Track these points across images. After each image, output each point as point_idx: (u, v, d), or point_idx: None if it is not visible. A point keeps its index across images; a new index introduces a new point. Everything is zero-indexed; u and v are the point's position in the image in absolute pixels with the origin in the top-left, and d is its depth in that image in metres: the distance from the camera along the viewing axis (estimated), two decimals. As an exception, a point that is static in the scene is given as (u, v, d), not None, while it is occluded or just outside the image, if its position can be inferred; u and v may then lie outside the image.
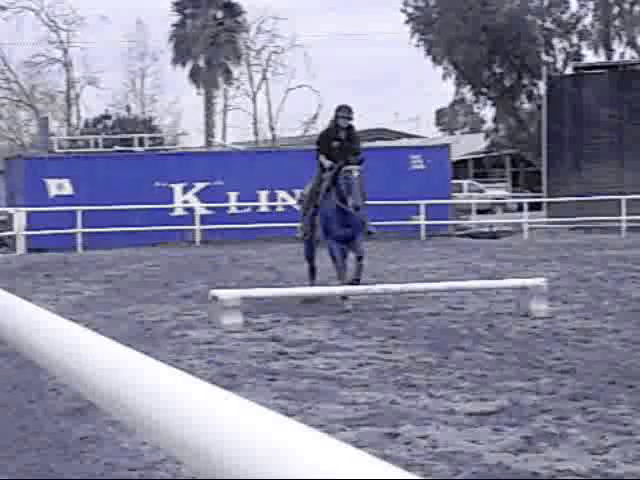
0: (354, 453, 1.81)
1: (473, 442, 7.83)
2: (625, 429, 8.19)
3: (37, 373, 9.26)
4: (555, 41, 67.21)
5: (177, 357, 12.05)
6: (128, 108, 73.59)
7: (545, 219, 45.61)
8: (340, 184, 16.79)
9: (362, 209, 17.08)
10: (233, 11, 71.39)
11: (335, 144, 17.43)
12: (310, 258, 18.52)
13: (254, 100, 61.80)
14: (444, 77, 68.20)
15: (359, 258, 16.95)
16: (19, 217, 36.34)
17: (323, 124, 62.11)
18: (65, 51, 66.50)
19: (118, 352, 2.99)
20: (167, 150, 51.70)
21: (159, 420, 2.41)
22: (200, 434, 2.16)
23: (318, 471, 1.77)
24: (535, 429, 8.24)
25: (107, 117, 72.30)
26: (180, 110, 79.11)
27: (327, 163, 17.41)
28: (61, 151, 48.29)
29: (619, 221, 40.99)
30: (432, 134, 73.33)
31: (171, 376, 2.55)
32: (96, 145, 51.33)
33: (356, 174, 16.73)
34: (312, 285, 18.12)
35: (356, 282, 16.80)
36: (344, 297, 16.53)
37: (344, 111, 17.64)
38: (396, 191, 38.31)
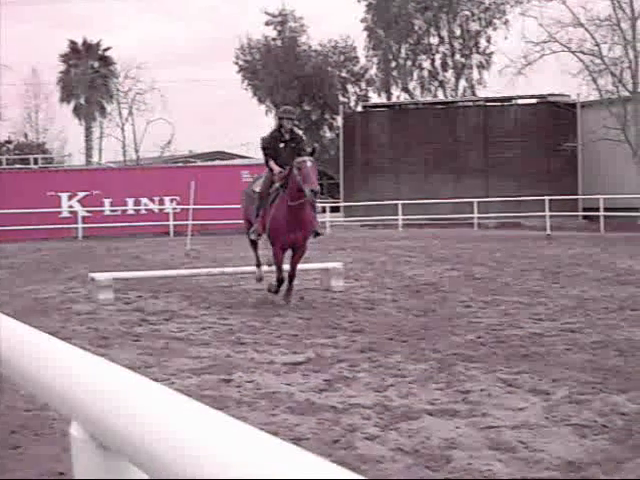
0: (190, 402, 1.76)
1: (287, 384, 7.82)
2: (400, 373, 8.28)
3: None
4: (349, 86, 68.29)
5: (64, 324, 11.81)
6: (26, 135, 71.82)
7: (342, 218, 46.05)
8: (295, 175, 13.24)
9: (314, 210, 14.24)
10: (107, 62, 70.22)
11: (281, 146, 14.10)
12: (254, 243, 15.05)
13: (123, 129, 60.71)
14: (266, 113, 68.59)
15: (290, 279, 14.01)
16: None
17: (176, 148, 61.94)
18: (-24, 92, 64.58)
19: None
20: (56, 167, 50.87)
21: (32, 377, 2.36)
22: (65, 388, 2.11)
23: (151, 419, 1.74)
24: (333, 374, 8.26)
25: (9, 142, 70.44)
26: (66, 137, 77.87)
27: (277, 169, 13.90)
28: (-28, 168, 47.20)
29: (396, 220, 41.64)
30: (259, 155, 73.28)
31: (44, 341, 2.48)
32: (0, 163, 50.05)
33: (309, 164, 13.24)
34: (257, 257, 15.15)
35: (287, 303, 13.80)
36: (288, 290, 14.01)
37: (287, 113, 14.43)
38: (231, 198, 38.36)
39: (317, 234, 14.18)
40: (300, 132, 15.24)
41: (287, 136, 14.14)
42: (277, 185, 13.87)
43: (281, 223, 13.67)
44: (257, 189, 14.52)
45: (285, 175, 13.64)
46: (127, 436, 1.76)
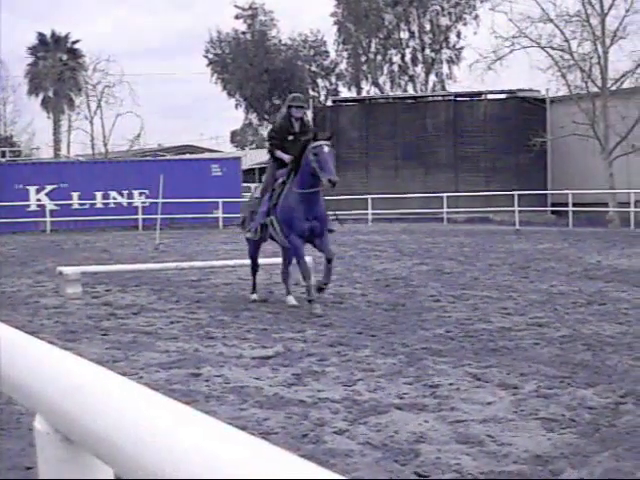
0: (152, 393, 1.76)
1: (256, 379, 7.81)
2: (368, 367, 8.29)
3: None
4: (319, 81, 68.31)
5: (31, 319, 11.74)
6: (-7, 128, 71.28)
7: (312, 213, 46.00)
8: (310, 161, 12.07)
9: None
10: (75, 55, 69.67)
11: (290, 137, 12.80)
12: (254, 258, 13.96)
13: (91, 123, 59.93)
14: (236, 106, 68.66)
15: (329, 260, 12.31)
16: None
17: (145, 141, 61.57)
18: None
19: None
20: (24, 160, 50.55)
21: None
22: (30, 382, 2.10)
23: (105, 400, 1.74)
24: (303, 368, 8.26)
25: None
26: (34, 130, 77.32)
27: (287, 157, 12.71)
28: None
29: (366, 214, 41.68)
30: (228, 149, 73.11)
31: (10, 335, 2.47)
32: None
33: (327, 149, 12.09)
34: (254, 284, 13.87)
35: (324, 286, 12.46)
36: (310, 300, 12.24)
37: (297, 100, 13.09)
38: (201, 191, 38.53)
39: (330, 231, 13.04)
40: (311, 123, 13.43)
41: (297, 127, 12.95)
42: (281, 180, 12.76)
43: (294, 211, 12.46)
44: (258, 194, 13.51)
45: (297, 156, 12.43)
46: (92, 430, 1.75)
